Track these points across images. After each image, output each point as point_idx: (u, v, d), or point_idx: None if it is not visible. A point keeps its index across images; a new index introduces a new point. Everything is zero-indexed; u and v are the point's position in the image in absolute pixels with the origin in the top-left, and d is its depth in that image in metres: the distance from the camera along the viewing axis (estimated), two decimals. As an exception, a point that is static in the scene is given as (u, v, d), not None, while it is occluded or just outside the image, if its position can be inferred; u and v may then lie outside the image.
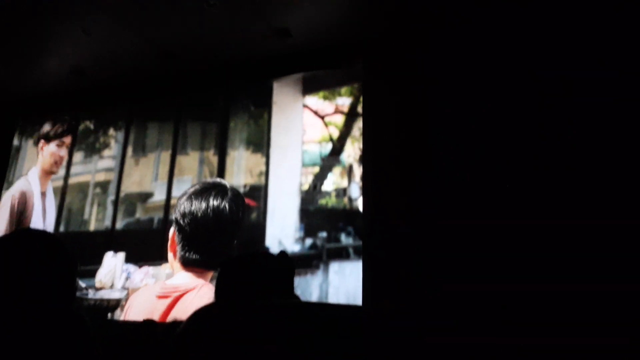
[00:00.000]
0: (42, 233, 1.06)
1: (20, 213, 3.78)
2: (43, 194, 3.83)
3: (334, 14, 2.82)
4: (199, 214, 2.60)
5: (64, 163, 3.87)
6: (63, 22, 3.00)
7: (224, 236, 2.62)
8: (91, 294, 3.29)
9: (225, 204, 2.63)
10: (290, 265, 1.24)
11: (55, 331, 0.88)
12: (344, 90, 3.11)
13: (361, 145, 2.92)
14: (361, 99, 3.01)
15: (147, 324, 1.71)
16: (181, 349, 0.80)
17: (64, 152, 3.90)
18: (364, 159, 2.88)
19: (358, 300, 2.63)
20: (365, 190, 2.81)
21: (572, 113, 2.37)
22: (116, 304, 3.21)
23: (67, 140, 3.92)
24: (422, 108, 2.76)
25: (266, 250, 2.91)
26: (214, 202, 2.62)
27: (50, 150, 3.92)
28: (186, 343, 0.78)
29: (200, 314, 0.95)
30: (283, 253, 1.28)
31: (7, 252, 0.95)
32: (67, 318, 0.92)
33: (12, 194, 3.86)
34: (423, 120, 2.74)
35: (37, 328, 0.86)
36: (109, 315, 3.21)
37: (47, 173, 3.88)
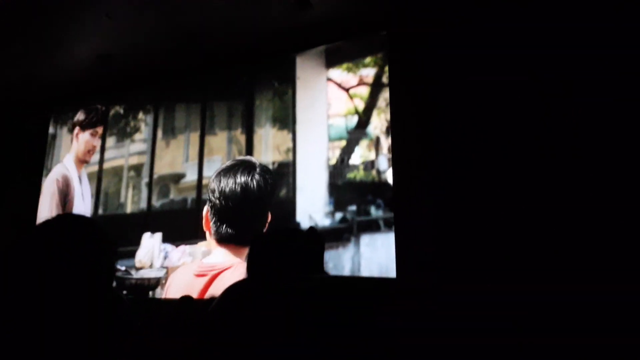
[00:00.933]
0: (82, 217, 1.08)
1: (64, 196, 3.93)
2: (79, 179, 3.96)
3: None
4: (227, 190, 2.65)
5: (97, 151, 3.98)
6: (85, 8, 3.04)
7: (253, 210, 2.66)
8: (132, 274, 3.43)
9: (253, 180, 2.66)
10: (320, 240, 1.24)
11: (97, 310, 0.91)
12: (367, 60, 3.05)
13: (387, 117, 2.87)
14: (386, 68, 2.95)
15: (185, 300, 1.77)
16: (214, 324, 0.82)
17: (97, 142, 4.00)
18: (391, 130, 2.83)
19: (391, 272, 2.63)
20: (394, 162, 2.78)
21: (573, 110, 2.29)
22: (156, 283, 3.33)
23: (100, 130, 4.02)
24: (449, 75, 2.68)
25: (296, 225, 2.94)
26: (241, 178, 2.66)
27: (84, 139, 4.03)
28: (219, 318, 0.80)
29: (232, 290, 0.97)
30: (312, 229, 1.27)
31: (51, 236, 0.98)
32: (108, 297, 0.95)
33: (55, 178, 4.01)
34: (451, 89, 2.67)
35: (79, 307, 0.89)
36: (150, 293, 3.33)
37: (81, 161, 4.01)
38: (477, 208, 2.44)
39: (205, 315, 0.82)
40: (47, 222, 1.03)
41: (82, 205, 3.90)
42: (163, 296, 3.02)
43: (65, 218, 1.12)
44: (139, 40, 3.42)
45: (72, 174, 3.98)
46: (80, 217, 1.08)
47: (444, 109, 2.67)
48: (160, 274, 3.32)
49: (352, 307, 0.68)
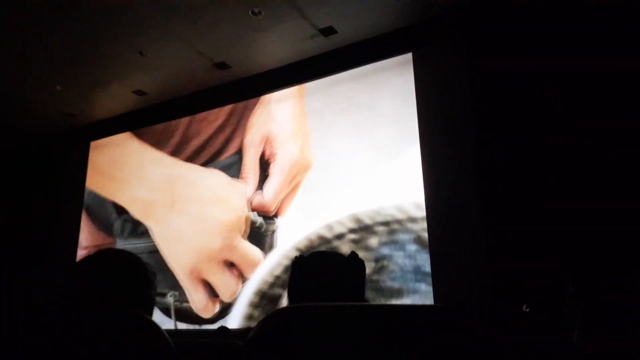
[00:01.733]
0: (123, 251, 1.12)
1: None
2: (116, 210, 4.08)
3: (376, 6, 2.79)
4: None
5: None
6: (120, 47, 3.16)
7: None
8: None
9: None
10: (361, 265, 1.20)
11: (133, 338, 0.91)
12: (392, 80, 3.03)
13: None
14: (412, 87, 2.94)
15: (221, 331, 1.76)
16: (253, 354, 0.80)
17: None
18: (421, 146, 2.81)
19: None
20: (425, 176, 2.75)
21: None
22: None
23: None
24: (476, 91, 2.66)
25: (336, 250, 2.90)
26: None
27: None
28: (257, 348, 0.78)
29: (271, 319, 0.94)
30: (353, 253, 1.24)
31: (95, 268, 1.00)
32: (144, 326, 0.95)
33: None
34: (481, 106, 2.64)
35: (118, 334, 0.89)
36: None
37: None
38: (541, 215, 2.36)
39: (244, 345, 0.80)
40: (92, 256, 1.06)
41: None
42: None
43: (108, 252, 1.16)
44: (170, 73, 3.52)
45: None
46: (121, 251, 1.11)
47: (472, 125, 2.65)
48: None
49: (396, 335, 0.64)
